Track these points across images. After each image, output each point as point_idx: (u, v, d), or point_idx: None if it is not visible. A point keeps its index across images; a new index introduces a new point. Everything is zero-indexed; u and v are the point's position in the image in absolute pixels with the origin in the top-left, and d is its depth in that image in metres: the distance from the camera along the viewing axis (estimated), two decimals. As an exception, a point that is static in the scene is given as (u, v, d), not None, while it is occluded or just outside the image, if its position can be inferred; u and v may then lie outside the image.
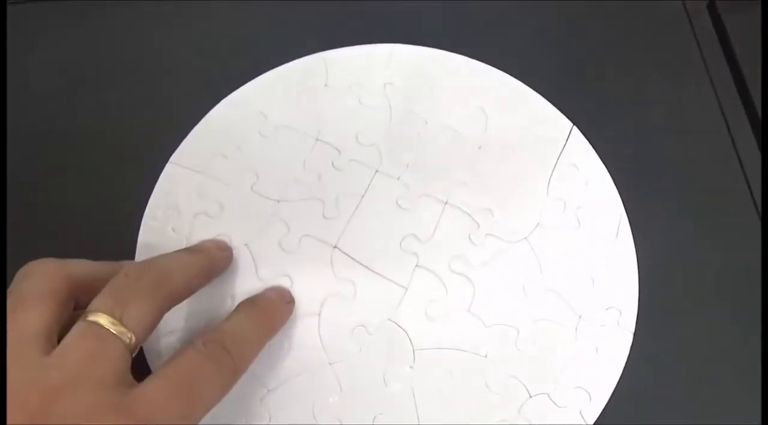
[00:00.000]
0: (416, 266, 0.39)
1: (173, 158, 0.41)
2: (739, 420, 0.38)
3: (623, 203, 0.41)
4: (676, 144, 0.45)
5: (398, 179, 0.41)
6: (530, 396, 0.37)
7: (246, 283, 0.38)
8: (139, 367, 0.30)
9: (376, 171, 0.41)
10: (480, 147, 0.42)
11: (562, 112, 0.43)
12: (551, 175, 0.41)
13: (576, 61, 0.47)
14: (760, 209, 0.43)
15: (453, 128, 0.42)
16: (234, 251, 0.39)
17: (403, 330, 0.38)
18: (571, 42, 0.48)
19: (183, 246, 0.39)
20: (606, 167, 0.42)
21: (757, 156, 0.44)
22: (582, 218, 0.41)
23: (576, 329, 0.38)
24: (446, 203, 0.40)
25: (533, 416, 0.37)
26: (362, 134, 0.42)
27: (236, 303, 0.36)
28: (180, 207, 0.40)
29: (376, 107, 0.43)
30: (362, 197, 0.40)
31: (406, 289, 0.39)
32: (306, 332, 0.38)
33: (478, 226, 0.40)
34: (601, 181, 0.41)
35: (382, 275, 0.39)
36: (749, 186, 0.43)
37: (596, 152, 0.42)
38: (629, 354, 0.38)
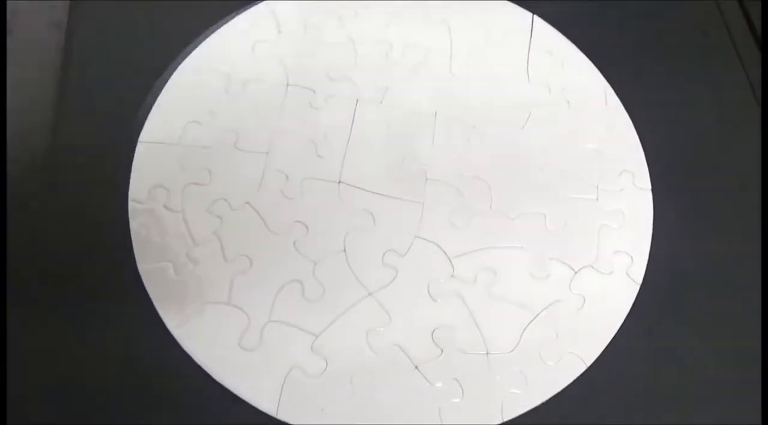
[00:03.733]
0: (426, 179, 0.38)
1: (142, 136, 0.38)
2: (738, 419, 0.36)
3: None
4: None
5: (381, 102, 0.40)
6: (575, 272, 0.37)
7: (259, 238, 0.36)
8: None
9: (357, 100, 0.40)
10: (450, 55, 0.41)
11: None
12: (527, 63, 0.41)
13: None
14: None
15: (419, 43, 0.41)
16: (237, 213, 0.37)
17: (433, 242, 0.37)
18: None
19: (180, 221, 0.36)
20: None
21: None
22: (570, 98, 0.41)
23: (598, 199, 0.38)
24: (435, 114, 0.40)
25: (584, 288, 0.36)
26: (332, 69, 0.41)
27: (253, 263, 0.35)
28: (165, 184, 0.37)
29: (337, 42, 0.41)
30: (350, 128, 0.39)
31: (423, 203, 0.37)
32: (337, 271, 0.36)
33: (474, 127, 0.39)
34: (576, 59, 0.42)
35: (395, 197, 0.37)
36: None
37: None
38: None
